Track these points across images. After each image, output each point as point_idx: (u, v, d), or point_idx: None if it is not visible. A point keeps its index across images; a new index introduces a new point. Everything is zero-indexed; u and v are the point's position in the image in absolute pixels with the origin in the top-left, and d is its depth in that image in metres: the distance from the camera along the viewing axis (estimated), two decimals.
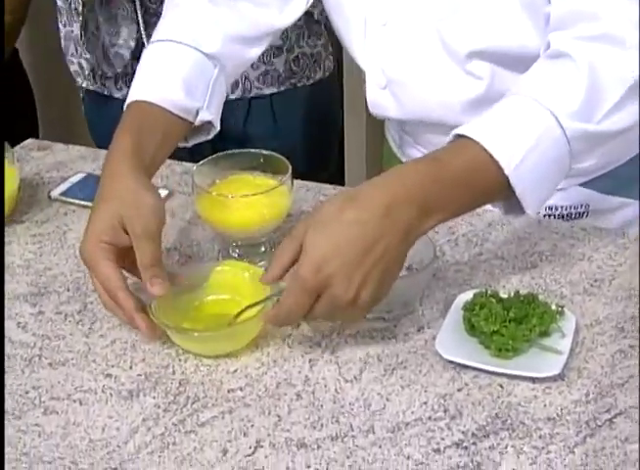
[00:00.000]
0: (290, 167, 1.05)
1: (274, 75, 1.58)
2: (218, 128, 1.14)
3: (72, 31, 1.57)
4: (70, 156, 1.36)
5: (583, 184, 1.20)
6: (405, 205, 0.86)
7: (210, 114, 1.11)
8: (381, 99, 1.19)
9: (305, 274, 0.85)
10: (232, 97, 1.53)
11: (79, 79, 1.63)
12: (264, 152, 1.10)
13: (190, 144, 1.16)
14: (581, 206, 1.21)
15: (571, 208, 1.21)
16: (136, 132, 1.04)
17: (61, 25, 1.60)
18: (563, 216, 1.22)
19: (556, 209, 1.22)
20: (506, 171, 0.89)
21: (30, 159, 1.35)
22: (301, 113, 1.64)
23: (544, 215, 1.24)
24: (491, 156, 0.89)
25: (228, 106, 1.21)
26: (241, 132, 1.58)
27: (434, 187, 0.88)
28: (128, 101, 1.09)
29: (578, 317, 0.97)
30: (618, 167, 1.19)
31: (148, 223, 0.96)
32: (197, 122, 1.11)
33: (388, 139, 1.36)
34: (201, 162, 1.09)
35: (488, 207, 1.07)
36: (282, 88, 1.60)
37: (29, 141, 1.41)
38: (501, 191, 0.91)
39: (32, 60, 2.29)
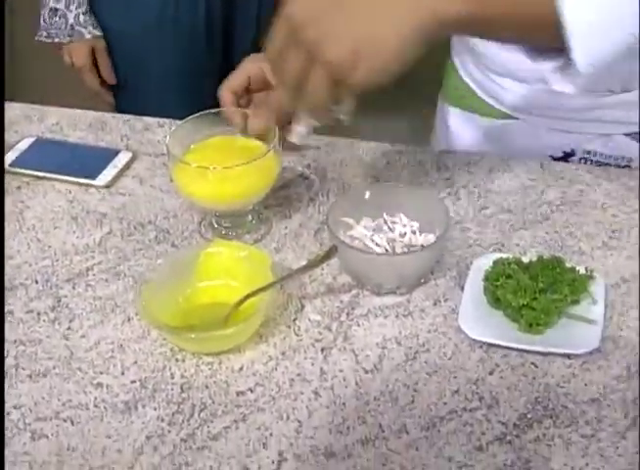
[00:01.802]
0: (276, 128, 0.94)
1: None
2: None
3: None
4: (13, 116, 1.21)
5: (630, 135, 1.10)
6: None
7: None
8: None
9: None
10: None
11: None
12: (245, 110, 0.97)
13: None
14: (623, 158, 1.11)
15: (610, 157, 1.11)
16: None
17: None
18: (600, 164, 1.12)
19: (594, 154, 1.12)
20: None
21: None
22: None
23: (580, 159, 1.14)
24: None
25: None
26: None
27: None
28: None
29: (603, 276, 0.89)
30: None
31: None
32: None
33: None
34: (173, 127, 0.97)
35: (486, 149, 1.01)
36: None
37: None
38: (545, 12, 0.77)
39: None
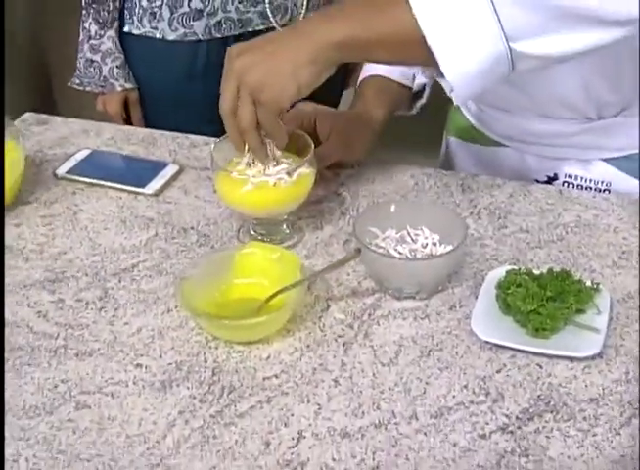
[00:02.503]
0: (312, 144, 1.02)
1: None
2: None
3: None
4: (72, 130, 1.32)
5: (609, 160, 1.19)
6: (310, 18, 0.97)
7: (425, 78, 1.21)
8: None
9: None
10: None
11: (127, 27, 1.55)
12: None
13: (414, 111, 1.29)
14: (602, 182, 1.20)
15: (591, 181, 1.20)
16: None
17: None
18: (582, 188, 1.21)
19: (575, 178, 1.21)
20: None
21: (30, 134, 1.31)
22: None
23: (562, 183, 1.23)
24: None
25: None
26: None
27: (341, 5, 0.95)
28: (362, 77, 1.24)
29: (610, 292, 0.96)
30: None
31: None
32: (415, 87, 1.24)
33: None
34: (219, 138, 1.05)
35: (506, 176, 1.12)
36: None
37: (27, 115, 1.36)
38: (407, 24, 0.88)
39: None
